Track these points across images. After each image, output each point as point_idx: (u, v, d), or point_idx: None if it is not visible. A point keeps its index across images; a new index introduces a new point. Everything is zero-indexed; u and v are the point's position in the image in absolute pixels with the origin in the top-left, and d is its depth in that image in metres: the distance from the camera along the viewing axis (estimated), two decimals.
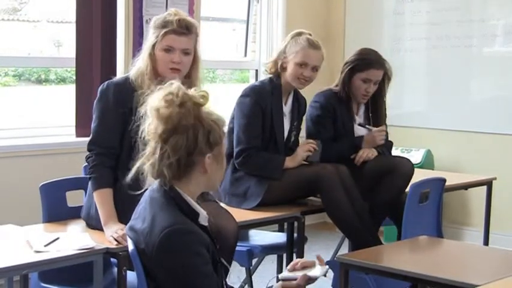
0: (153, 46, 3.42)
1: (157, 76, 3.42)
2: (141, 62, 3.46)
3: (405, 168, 4.17)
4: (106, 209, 3.32)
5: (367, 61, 4.30)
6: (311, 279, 2.54)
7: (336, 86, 4.37)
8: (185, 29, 3.43)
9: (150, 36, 3.46)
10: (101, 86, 3.50)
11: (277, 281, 2.58)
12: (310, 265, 2.60)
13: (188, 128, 2.45)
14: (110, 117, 3.42)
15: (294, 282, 2.52)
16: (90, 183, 3.41)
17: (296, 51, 4.06)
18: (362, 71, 4.28)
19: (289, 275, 2.55)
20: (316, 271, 2.55)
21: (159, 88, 2.54)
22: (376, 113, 4.43)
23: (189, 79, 3.46)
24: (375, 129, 4.33)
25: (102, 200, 3.34)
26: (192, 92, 2.52)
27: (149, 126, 2.48)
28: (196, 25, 3.51)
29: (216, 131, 2.52)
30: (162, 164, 2.45)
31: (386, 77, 4.36)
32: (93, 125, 3.48)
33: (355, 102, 4.39)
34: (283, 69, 4.10)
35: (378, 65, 4.30)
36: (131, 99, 3.34)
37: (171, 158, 2.44)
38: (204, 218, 2.53)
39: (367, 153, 4.25)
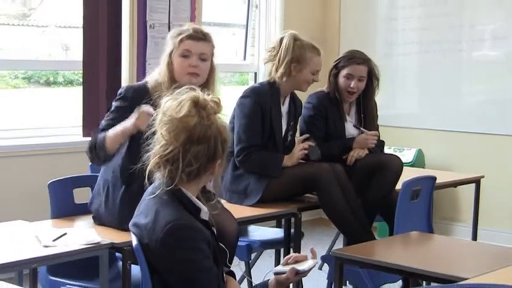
0: (170, 54, 3.38)
1: (173, 84, 3.34)
2: (158, 71, 3.40)
3: (394, 165, 4.18)
4: (120, 126, 3.26)
5: (349, 57, 4.33)
6: (300, 273, 2.55)
7: (327, 87, 4.39)
8: (201, 34, 3.41)
9: (168, 46, 3.42)
10: (121, 89, 3.45)
11: (274, 275, 2.60)
12: (303, 259, 2.60)
13: (210, 138, 2.45)
14: (122, 117, 3.33)
15: (284, 275, 2.53)
16: (96, 144, 3.31)
17: (309, 58, 4.06)
18: (344, 67, 4.30)
19: (282, 269, 2.57)
20: (304, 265, 2.56)
21: (178, 92, 2.52)
22: (367, 114, 4.43)
23: (206, 86, 3.40)
24: (368, 132, 4.33)
25: (113, 132, 3.26)
26: (208, 99, 2.51)
27: (168, 131, 2.45)
28: (211, 35, 3.47)
29: (228, 138, 2.54)
30: (182, 171, 2.44)
31: (373, 77, 4.36)
32: (106, 117, 3.42)
33: (346, 102, 4.40)
34: (292, 74, 4.08)
35: (359, 60, 4.30)
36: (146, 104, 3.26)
37: (194, 165, 2.44)
38: (205, 213, 2.54)
39: (357, 152, 4.26)
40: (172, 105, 2.47)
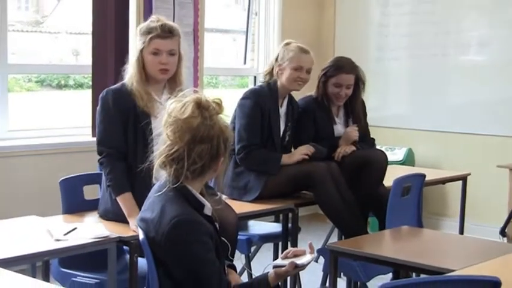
0: (141, 51, 3.41)
1: (147, 78, 3.42)
2: (131, 67, 3.45)
3: (379, 160, 4.15)
4: (129, 208, 3.31)
5: (337, 67, 4.26)
6: (299, 266, 2.54)
7: (315, 92, 4.36)
8: (168, 32, 3.42)
9: (137, 42, 3.45)
10: (101, 93, 3.48)
11: (273, 268, 2.59)
12: (301, 253, 2.60)
13: (213, 138, 2.46)
14: (112, 120, 3.40)
15: (283, 268, 2.53)
16: (110, 189, 3.38)
17: (290, 57, 4.06)
18: (333, 76, 4.25)
19: (281, 262, 2.57)
20: (303, 259, 2.56)
21: (182, 95, 2.53)
22: (354, 114, 4.40)
23: (174, 75, 3.48)
24: (348, 128, 4.32)
25: (125, 202, 3.33)
26: (211, 100, 2.51)
27: (173, 132, 2.46)
28: (178, 28, 3.50)
29: (231, 137, 2.55)
30: (187, 169, 2.45)
31: (360, 82, 4.32)
32: (98, 129, 3.45)
33: (334, 105, 4.37)
34: (280, 75, 4.10)
35: (347, 70, 4.25)
36: (128, 101, 3.37)
37: (198, 164, 2.45)
38: (208, 208, 2.54)
39: (344, 148, 4.24)
40: (176, 107, 2.48)
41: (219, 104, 2.52)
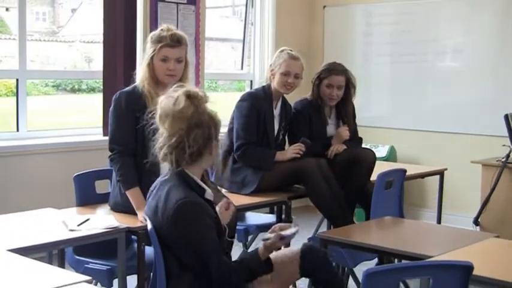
0: (152, 58, 3.41)
1: (156, 82, 3.41)
2: (142, 71, 3.44)
3: (368, 158, 4.15)
4: (138, 201, 3.29)
5: (329, 69, 4.26)
6: (284, 238, 2.59)
7: (311, 95, 4.35)
8: (177, 42, 3.42)
9: (148, 49, 3.44)
10: (114, 95, 3.47)
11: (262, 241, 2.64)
12: (286, 228, 2.65)
13: (204, 123, 2.51)
14: (124, 120, 3.39)
15: (269, 240, 2.58)
16: (120, 184, 3.37)
17: (280, 63, 4.05)
18: (325, 77, 4.23)
19: (269, 235, 2.62)
20: (287, 231, 2.62)
21: (170, 91, 2.57)
22: (345, 117, 4.39)
23: (181, 79, 3.47)
24: (339, 128, 4.31)
25: (133, 196, 3.31)
26: (198, 90, 2.57)
27: (170, 124, 2.50)
28: (185, 37, 3.49)
29: (219, 123, 2.60)
30: (184, 153, 2.49)
31: (350, 85, 4.30)
32: (110, 128, 3.44)
33: (327, 107, 4.36)
34: (272, 79, 4.10)
35: (337, 72, 4.24)
36: (139, 103, 3.35)
37: (194, 147, 2.49)
38: (209, 194, 2.58)
39: (336, 147, 4.23)
40: (169, 101, 2.53)
41: (205, 94, 2.59)
